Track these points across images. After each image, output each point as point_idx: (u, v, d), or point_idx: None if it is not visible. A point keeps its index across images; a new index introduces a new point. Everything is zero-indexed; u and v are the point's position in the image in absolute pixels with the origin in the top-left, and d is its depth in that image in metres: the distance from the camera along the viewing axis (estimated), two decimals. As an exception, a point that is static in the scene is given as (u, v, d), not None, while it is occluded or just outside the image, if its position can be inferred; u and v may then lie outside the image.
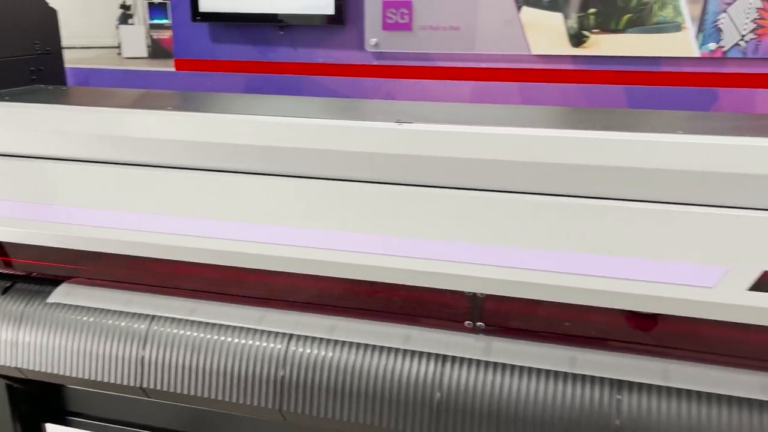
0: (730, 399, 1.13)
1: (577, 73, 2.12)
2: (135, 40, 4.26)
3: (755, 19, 1.88)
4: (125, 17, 4.40)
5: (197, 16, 2.34)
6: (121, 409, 1.53)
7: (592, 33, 2.06)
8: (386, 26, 2.25)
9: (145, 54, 4.24)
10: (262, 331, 1.35)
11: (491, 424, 1.19)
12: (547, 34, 2.11)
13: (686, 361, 1.21)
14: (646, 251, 1.13)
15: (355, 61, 2.36)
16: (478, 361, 1.24)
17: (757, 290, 1.08)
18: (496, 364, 1.23)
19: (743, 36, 1.91)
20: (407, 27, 2.24)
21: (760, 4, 1.86)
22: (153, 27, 4.20)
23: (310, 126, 1.26)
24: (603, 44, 2.05)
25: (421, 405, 1.22)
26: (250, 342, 1.34)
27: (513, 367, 1.22)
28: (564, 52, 2.10)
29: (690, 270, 1.10)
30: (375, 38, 2.26)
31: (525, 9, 2.10)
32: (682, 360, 1.22)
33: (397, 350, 1.27)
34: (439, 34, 2.21)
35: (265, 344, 1.33)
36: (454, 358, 1.24)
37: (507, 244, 1.17)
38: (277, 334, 1.33)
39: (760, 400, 1.12)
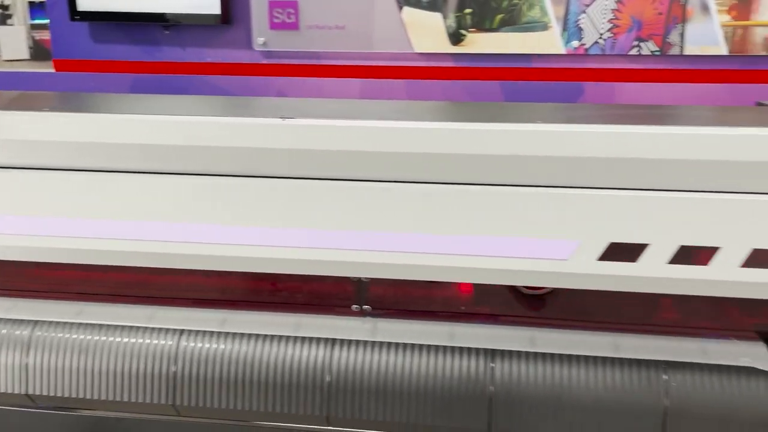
0: (587, 359, 1.26)
1: (458, 70, 2.24)
2: (15, 41, 4.02)
3: (611, 19, 2.07)
4: (4, 17, 4.14)
5: (75, 15, 2.27)
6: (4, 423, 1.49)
7: (470, 32, 2.19)
8: (273, 26, 2.28)
9: (26, 56, 4.00)
10: (153, 329, 1.35)
11: (379, 399, 1.26)
12: (428, 33, 2.23)
13: (550, 328, 1.34)
14: (509, 230, 1.23)
15: (245, 60, 2.37)
16: (365, 342, 1.30)
17: (605, 260, 1.21)
18: (381, 344, 1.30)
19: (602, 34, 2.10)
20: (294, 26, 2.29)
21: (614, 6, 2.05)
22: (34, 27, 3.97)
23: (194, 123, 1.28)
24: (480, 42, 2.19)
25: (313, 388, 1.28)
26: (141, 340, 1.34)
27: (397, 345, 1.30)
28: (445, 51, 2.23)
29: (547, 245, 1.22)
30: (263, 37, 2.29)
31: (406, 9, 2.20)
32: (546, 327, 1.34)
33: (288, 338, 1.32)
34: (326, 33, 2.27)
35: (155, 342, 1.34)
36: (342, 341, 1.30)
37: (388, 230, 1.24)
38: (167, 330, 1.34)
39: (612, 358, 1.26)
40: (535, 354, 1.27)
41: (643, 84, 2.09)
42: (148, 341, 1.33)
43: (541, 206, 1.25)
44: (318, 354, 1.28)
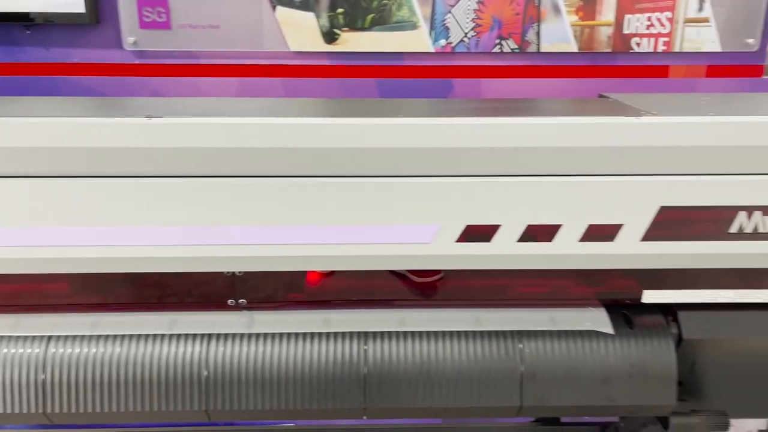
0: (452, 334, 1.36)
1: (333, 68, 2.30)
2: None
3: (474, 18, 2.21)
4: None
5: (-75, 14, 2.13)
6: None
7: (343, 31, 2.26)
8: (143, 25, 2.24)
9: None
10: (18, 337, 1.32)
11: (257, 389, 1.29)
12: (302, 33, 2.27)
13: (420, 308, 1.42)
14: (378, 219, 1.30)
15: (116, 60, 2.31)
16: (242, 335, 1.33)
17: (463, 241, 1.31)
18: (258, 335, 1.33)
19: (466, 33, 2.23)
20: (166, 25, 2.26)
21: (476, 6, 2.19)
22: None
23: (59, 124, 1.25)
24: (353, 41, 2.26)
25: (190, 384, 1.29)
26: (5, 350, 1.30)
27: (274, 335, 1.34)
28: (319, 49, 2.28)
29: (411, 231, 1.30)
30: (133, 37, 2.25)
31: (279, 8, 2.24)
32: (416, 308, 1.42)
33: (162, 336, 1.32)
34: (200, 33, 2.26)
35: (21, 350, 1.30)
36: (219, 336, 1.32)
37: (260, 224, 1.28)
38: (34, 338, 1.31)
39: (474, 331, 1.36)
40: (405, 333, 1.35)
41: (505, 79, 2.24)
42: (14, 350, 1.29)
43: (406, 195, 1.33)
44: (194, 350, 1.29)
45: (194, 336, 1.32)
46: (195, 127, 1.24)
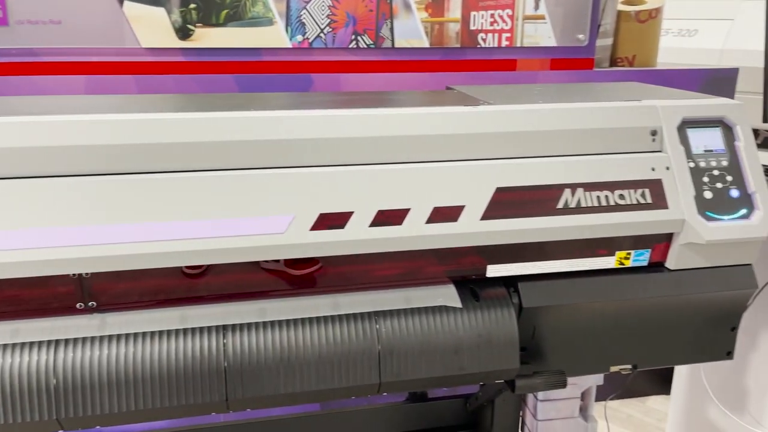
0: (311, 320, 1.39)
1: (189, 64, 2.26)
2: None
3: (329, 15, 2.26)
4: None
5: None
6: None
7: (197, 27, 2.23)
8: (-25, 20, 2.09)
9: None
10: None
11: (111, 393, 1.26)
12: (154, 28, 2.21)
13: (281, 298, 1.44)
14: (228, 212, 1.31)
15: (-56, 58, 2.13)
16: (92, 338, 1.29)
17: (317, 230, 1.35)
18: (111, 337, 1.30)
19: (322, 29, 2.28)
20: (3, 22, 2.12)
21: (330, 3, 2.24)
22: None
23: None
24: (208, 37, 2.24)
25: (38, 394, 1.23)
26: None
27: (128, 336, 1.31)
28: (173, 45, 2.23)
29: (265, 222, 1.32)
30: (-37, 33, 2.08)
31: (127, 4, 2.16)
32: (277, 298, 1.44)
33: (4, 346, 1.25)
34: (41, 29, 2.14)
35: None
36: (67, 342, 1.27)
37: (101, 223, 1.24)
38: None
39: (333, 316, 1.41)
40: (265, 323, 1.37)
41: (362, 74, 2.31)
42: None
43: (260, 186, 1.35)
44: (40, 358, 1.24)
45: (39, 343, 1.27)
46: (24, 126, 1.19)
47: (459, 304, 1.45)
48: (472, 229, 1.42)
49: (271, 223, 1.34)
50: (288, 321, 1.38)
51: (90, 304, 1.34)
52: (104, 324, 1.33)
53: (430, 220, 1.40)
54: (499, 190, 1.44)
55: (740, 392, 2.58)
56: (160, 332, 1.33)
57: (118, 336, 1.30)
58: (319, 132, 1.39)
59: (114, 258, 1.25)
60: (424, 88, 2.27)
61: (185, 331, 1.34)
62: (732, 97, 2.21)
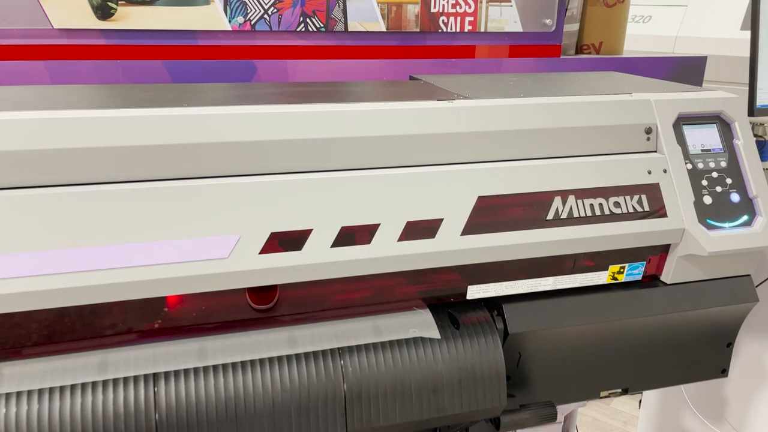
0: (262, 362, 1.16)
1: (111, 48, 1.96)
2: None
3: (274, -7, 2.00)
4: None
5: None
6: None
7: (119, 5, 1.93)
8: None
9: None
10: None
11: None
12: (67, 7, 1.90)
13: (223, 333, 1.20)
14: (153, 234, 1.06)
15: None
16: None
17: (268, 252, 1.11)
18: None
19: (266, 10, 2.01)
20: None
21: (275, -20, 1.98)
22: None
23: None
24: (133, 17, 1.94)
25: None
26: None
27: (20, 393, 1.04)
28: (91, 26, 1.93)
29: (204, 244, 1.07)
30: None
31: (34, -24, 1.85)
32: (217, 333, 1.20)
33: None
34: (-73, 4, 1.80)
35: None
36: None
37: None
38: None
39: (289, 355, 1.17)
40: (205, 368, 1.12)
41: (313, 61, 2.06)
42: None
43: (195, 201, 1.10)
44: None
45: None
46: None
47: (437, 334, 1.24)
48: (453, 246, 1.21)
49: (211, 247, 1.09)
50: (233, 365, 1.14)
51: (-21, 353, 1.06)
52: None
53: (403, 237, 1.19)
54: (482, 199, 1.24)
55: (719, 400, 2.49)
56: (83, 384, 1.07)
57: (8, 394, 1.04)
58: (266, 133, 1.15)
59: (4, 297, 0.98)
60: (381, 76, 2.04)
61: (114, 381, 1.08)
62: (700, 86, 2.08)
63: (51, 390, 1.05)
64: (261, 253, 1.12)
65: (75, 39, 1.93)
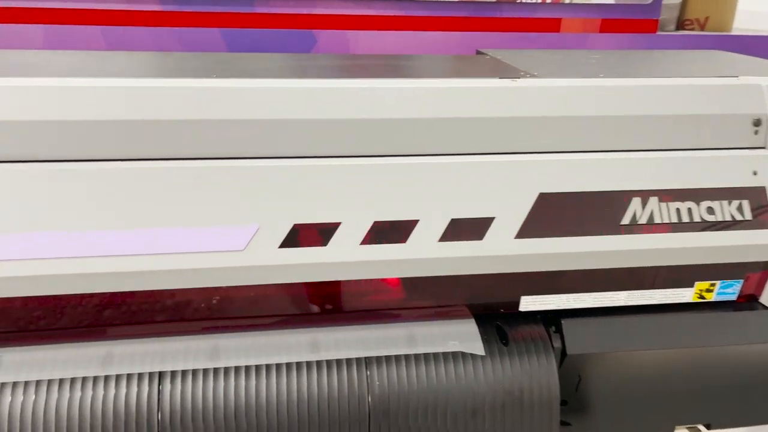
0: (278, 367, 1.04)
1: (167, 15, 1.89)
2: None
3: (337, -43, 1.85)
4: None
5: None
6: None
7: (176, -31, 1.85)
8: None
9: None
10: None
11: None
12: (124, -31, 1.84)
13: (237, 332, 1.09)
14: (164, 220, 0.95)
15: None
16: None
17: (289, 246, 0.98)
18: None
19: (328, -25, 1.87)
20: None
21: (339, -57, 1.83)
22: None
23: None
24: (190, -18, 1.86)
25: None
26: None
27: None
28: (148, -9, 1.86)
29: (217, 234, 0.95)
30: None
31: (90, -63, 1.78)
32: (232, 332, 1.08)
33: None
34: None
35: None
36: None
37: None
38: None
39: (309, 362, 1.05)
40: (215, 370, 1.02)
41: (376, 32, 1.91)
42: None
43: (211, 184, 0.98)
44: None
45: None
46: None
47: (481, 350, 1.08)
48: (504, 250, 1.04)
49: (226, 237, 0.98)
50: (247, 367, 1.03)
51: None
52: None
53: (445, 237, 1.03)
54: (543, 197, 1.05)
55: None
56: (84, 378, 0.99)
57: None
58: (303, 110, 1.01)
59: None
60: (448, 51, 1.85)
61: (118, 377, 1.00)
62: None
63: (50, 382, 0.97)
64: (281, 246, 0.99)
65: (132, 4, 1.86)
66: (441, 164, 1.04)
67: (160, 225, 0.94)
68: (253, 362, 1.02)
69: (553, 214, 1.05)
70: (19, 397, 0.96)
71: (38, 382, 0.96)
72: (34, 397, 0.96)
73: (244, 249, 0.98)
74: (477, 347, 1.08)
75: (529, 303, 1.13)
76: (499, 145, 1.07)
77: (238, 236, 0.98)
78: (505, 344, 1.10)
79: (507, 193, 1.05)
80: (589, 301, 1.13)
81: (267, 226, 0.99)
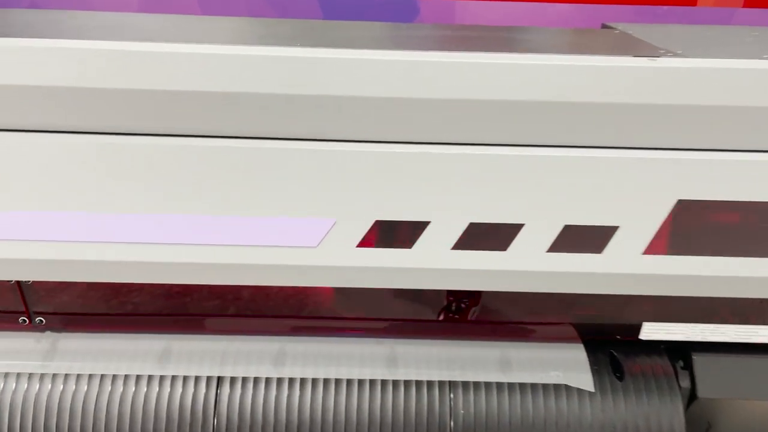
0: (349, 383, 0.91)
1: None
2: None
3: None
4: None
5: None
6: None
7: (274, -71, 1.73)
8: None
9: None
10: None
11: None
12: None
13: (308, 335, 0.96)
14: (229, 208, 0.83)
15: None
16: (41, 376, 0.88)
17: (368, 246, 0.85)
18: (67, 377, 0.89)
19: (436, -64, 1.69)
20: None
21: None
22: None
23: None
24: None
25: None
26: None
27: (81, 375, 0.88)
28: (244, -48, 1.76)
29: (286, 227, 0.83)
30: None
31: None
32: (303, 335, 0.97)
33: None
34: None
35: None
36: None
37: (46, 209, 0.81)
38: None
39: (384, 380, 0.92)
40: (279, 380, 0.90)
41: (485, 2, 1.72)
42: None
43: (284, 170, 0.86)
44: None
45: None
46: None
47: (590, 384, 0.90)
48: (628, 267, 0.85)
49: (297, 231, 0.85)
50: (314, 380, 0.90)
51: (37, 320, 0.93)
52: (55, 351, 0.92)
53: (555, 247, 0.85)
54: (683, 206, 0.85)
55: None
56: (138, 376, 0.91)
57: (78, 377, 0.90)
58: (398, 87, 0.85)
59: (43, 263, 0.82)
60: (569, 23, 1.64)
61: (173, 377, 0.91)
62: None
63: (103, 376, 0.89)
64: (360, 246, 0.85)
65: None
66: (555, 158, 0.86)
67: (222, 213, 0.83)
68: (321, 374, 0.90)
69: (694, 226, 0.85)
70: (71, 387, 0.89)
71: (91, 375, 0.89)
72: (86, 388, 0.89)
73: (317, 246, 0.85)
74: (585, 380, 0.90)
75: (652, 331, 0.93)
76: (629, 139, 0.87)
77: (312, 231, 0.85)
78: (620, 378, 0.92)
79: (637, 197, 0.86)
80: (729, 334, 0.93)
81: (345, 221, 0.85)
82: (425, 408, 0.89)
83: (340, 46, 0.86)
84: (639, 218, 0.85)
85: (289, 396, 0.89)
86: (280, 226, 0.84)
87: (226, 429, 0.89)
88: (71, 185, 0.82)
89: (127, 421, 0.88)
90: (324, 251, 0.85)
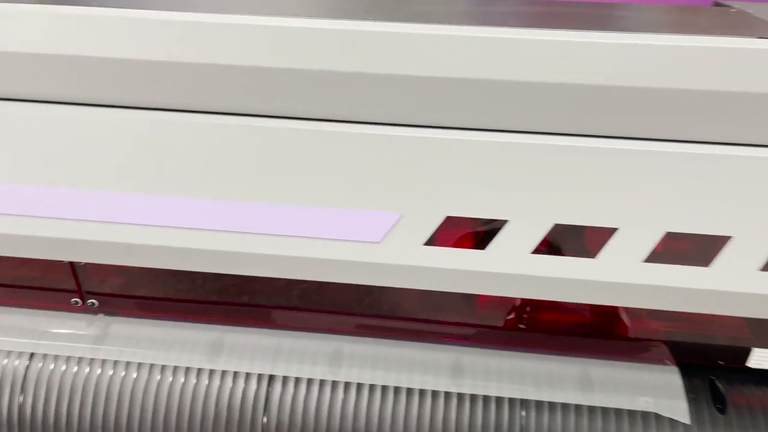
0: (409, 391, 0.84)
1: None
2: None
3: None
4: None
5: None
6: None
7: None
8: None
9: None
10: None
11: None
12: None
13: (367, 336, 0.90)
14: (283, 195, 0.77)
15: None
16: (91, 361, 0.86)
17: (437, 245, 0.76)
18: (117, 364, 0.86)
19: None
20: None
21: None
22: None
23: None
24: None
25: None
26: None
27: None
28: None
29: (348, 220, 0.76)
30: None
31: None
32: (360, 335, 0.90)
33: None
34: None
35: None
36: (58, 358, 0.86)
37: (100, 188, 0.77)
38: None
39: (447, 392, 0.83)
40: (334, 384, 0.84)
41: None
42: None
43: (343, 156, 0.79)
44: (12, 372, 0.84)
45: (19, 355, 0.87)
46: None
47: (685, 416, 0.78)
48: (739, 285, 0.72)
49: (358, 223, 0.77)
50: (372, 386, 0.83)
51: (89, 301, 0.91)
52: (106, 335, 0.89)
53: (653, 257, 0.74)
54: (814, 216, 0.72)
55: None
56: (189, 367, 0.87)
57: (127, 365, 0.87)
58: (474, 67, 0.75)
59: (108, 245, 0.78)
60: (676, 1, 1.47)
61: (223, 373, 0.86)
62: None
63: (152, 366, 0.86)
64: (427, 244, 0.77)
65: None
66: (655, 154, 0.74)
67: (276, 200, 0.76)
68: (380, 380, 0.83)
69: (826, 241, 0.71)
70: (120, 374, 0.86)
71: (140, 364, 0.85)
72: (135, 375, 0.85)
73: (380, 241, 0.77)
74: (680, 410, 0.78)
75: (763, 358, 0.80)
76: (750, 135, 0.74)
77: (375, 224, 0.77)
78: (722, 411, 0.80)
79: (754, 202, 0.73)
80: None
81: (412, 216, 0.77)
82: (492, 427, 0.80)
83: (422, 21, 0.77)
84: (757, 228, 0.73)
85: (345, 401, 0.83)
86: (340, 218, 0.77)
87: (276, 428, 0.83)
88: (136, 165, 0.78)
89: (174, 413, 0.84)
90: (387, 248, 0.77)
